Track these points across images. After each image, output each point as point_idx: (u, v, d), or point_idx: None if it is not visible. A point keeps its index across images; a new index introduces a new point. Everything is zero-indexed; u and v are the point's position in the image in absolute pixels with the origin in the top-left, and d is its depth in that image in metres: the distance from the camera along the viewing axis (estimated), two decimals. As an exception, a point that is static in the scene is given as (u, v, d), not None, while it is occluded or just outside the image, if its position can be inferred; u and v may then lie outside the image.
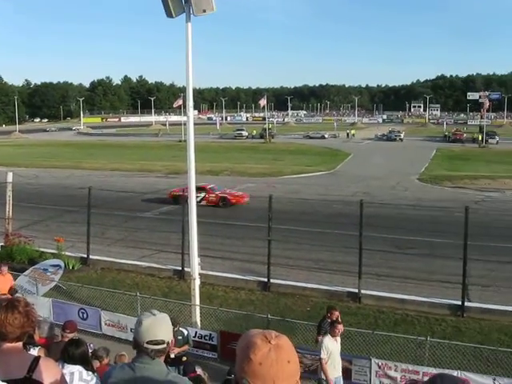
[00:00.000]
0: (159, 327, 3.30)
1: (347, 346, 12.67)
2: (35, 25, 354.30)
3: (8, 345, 3.25)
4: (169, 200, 32.00)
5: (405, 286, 17.61)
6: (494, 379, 10.65)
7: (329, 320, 11.53)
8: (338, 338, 10.92)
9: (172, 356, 10.94)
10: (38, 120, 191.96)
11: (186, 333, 11.70)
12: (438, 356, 11.93)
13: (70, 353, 6.51)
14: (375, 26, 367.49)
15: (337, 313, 11.71)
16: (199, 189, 27.39)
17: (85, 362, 6.60)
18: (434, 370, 10.77)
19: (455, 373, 9.85)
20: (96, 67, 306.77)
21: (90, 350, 7.16)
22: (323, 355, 10.50)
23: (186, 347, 11.51)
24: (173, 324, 11.05)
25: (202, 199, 30.78)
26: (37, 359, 3.32)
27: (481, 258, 19.17)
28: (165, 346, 3.31)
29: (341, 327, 10.91)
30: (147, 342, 3.27)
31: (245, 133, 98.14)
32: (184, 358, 11.27)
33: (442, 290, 17.08)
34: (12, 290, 13.69)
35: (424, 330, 14.08)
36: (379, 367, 11.77)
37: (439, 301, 16.20)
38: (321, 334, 11.42)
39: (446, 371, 9.63)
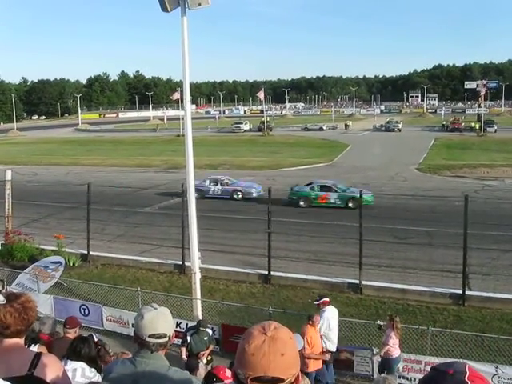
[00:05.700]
0: (161, 321, 3.32)
1: (349, 336, 12.71)
2: (31, 22, 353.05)
3: (8, 342, 3.22)
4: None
5: (405, 276, 17.64)
6: (496, 367, 10.68)
7: None
8: None
9: (204, 361, 10.94)
10: (35, 117, 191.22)
11: (210, 333, 11.83)
12: (440, 345, 11.96)
13: (78, 351, 6.46)
14: (371, 17, 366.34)
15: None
16: None
17: (92, 360, 6.54)
18: (436, 360, 10.81)
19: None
20: (93, 63, 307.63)
21: (96, 340, 7.06)
22: None
23: (211, 347, 11.60)
24: (202, 326, 11.15)
25: None
26: (38, 356, 3.30)
27: (481, 247, 19.22)
28: (166, 339, 3.32)
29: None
30: (149, 336, 3.27)
31: (243, 126, 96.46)
32: (209, 358, 11.35)
33: (442, 280, 17.11)
34: None
35: (425, 320, 14.10)
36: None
37: (440, 290, 16.21)
38: None
39: (448, 360, 9.66)
